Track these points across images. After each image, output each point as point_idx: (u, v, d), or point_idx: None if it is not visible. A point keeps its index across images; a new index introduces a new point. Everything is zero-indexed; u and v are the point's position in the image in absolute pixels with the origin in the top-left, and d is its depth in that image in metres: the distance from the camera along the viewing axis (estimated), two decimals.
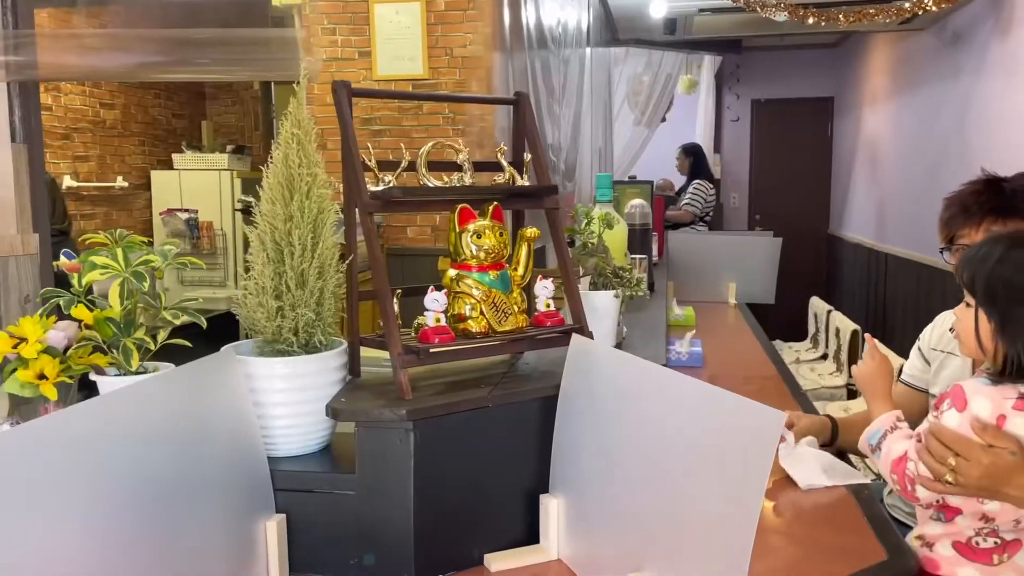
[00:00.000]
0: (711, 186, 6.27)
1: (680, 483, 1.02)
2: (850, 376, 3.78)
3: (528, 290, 1.48)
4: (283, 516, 1.27)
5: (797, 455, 1.64)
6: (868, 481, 1.63)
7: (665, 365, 2.76)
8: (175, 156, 5.48)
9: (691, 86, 7.13)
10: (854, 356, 3.67)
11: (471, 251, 1.38)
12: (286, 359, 1.32)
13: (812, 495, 1.62)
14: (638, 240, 2.56)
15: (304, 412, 1.33)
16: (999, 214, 1.63)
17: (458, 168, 1.50)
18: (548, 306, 1.48)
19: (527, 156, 1.51)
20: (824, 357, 4.26)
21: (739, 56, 7.53)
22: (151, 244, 1.41)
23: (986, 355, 1.33)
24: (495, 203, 1.42)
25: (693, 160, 6.36)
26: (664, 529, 1.05)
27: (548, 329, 1.45)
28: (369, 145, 1.43)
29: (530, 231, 1.45)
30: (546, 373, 1.45)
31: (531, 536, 1.36)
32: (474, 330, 1.37)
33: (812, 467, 1.60)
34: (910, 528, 1.49)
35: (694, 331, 3.00)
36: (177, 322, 1.38)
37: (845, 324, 3.82)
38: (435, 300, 1.33)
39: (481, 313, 1.37)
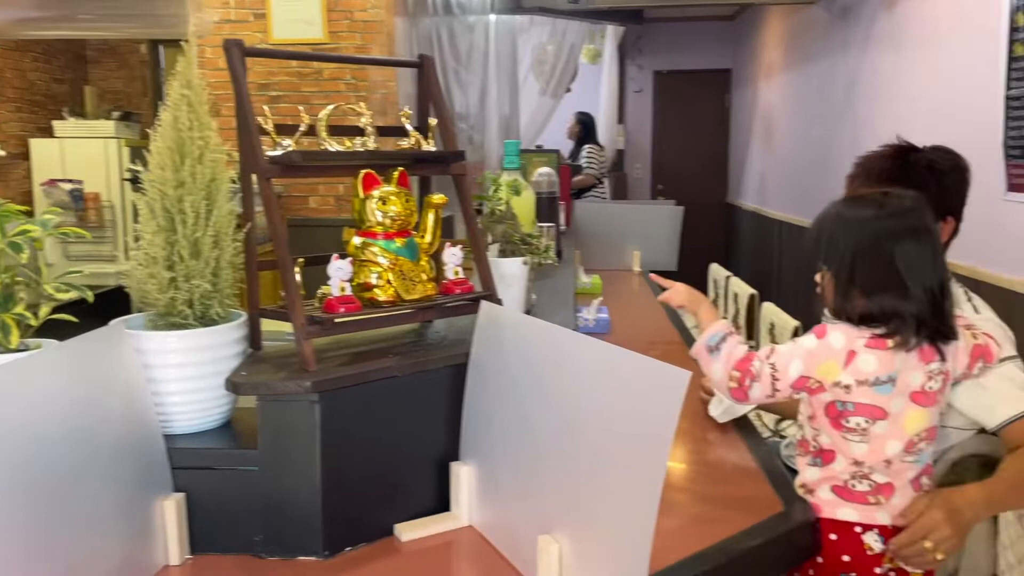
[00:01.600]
0: (601, 150, 6.55)
1: (589, 445, 1.03)
2: (748, 338, 3.92)
3: (436, 258, 1.46)
4: (182, 495, 1.22)
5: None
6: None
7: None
8: (56, 123, 5.15)
9: (595, 56, 7.17)
10: (752, 320, 3.80)
11: (376, 218, 1.35)
12: (181, 332, 1.26)
13: (712, 453, 1.67)
14: (545, 208, 2.56)
15: (202, 387, 1.28)
16: (895, 183, 1.65)
17: (361, 133, 1.46)
18: (457, 274, 1.47)
19: (432, 121, 1.47)
20: None
21: (641, 27, 7.62)
22: (31, 215, 1.32)
23: (833, 314, 1.40)
24: (400, 169, 1.38)
25: (583, 128, 6.60)
26: (574, 491, 1.06)
27: (457, 297, 1.43)
28: (266, 108, 1.37)
29: (437, 197, 1.42)
30: (456, 341, 1.44)
31: (442, 504, 1.36)
32: (381, 299, 1.33)
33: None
34: None
35: (601, 298, 3.04)
36: (61, 296, 1.29)
37: (743, 289, 3.95)
38: (339, 268, 1.29)
39: (388, 281, 1.34)
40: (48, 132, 5.19)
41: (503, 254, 1.62)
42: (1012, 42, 2.76)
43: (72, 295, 1.30)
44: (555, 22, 6.19)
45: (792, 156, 5.89)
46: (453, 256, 1.46)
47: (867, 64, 4.29)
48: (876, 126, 4.12)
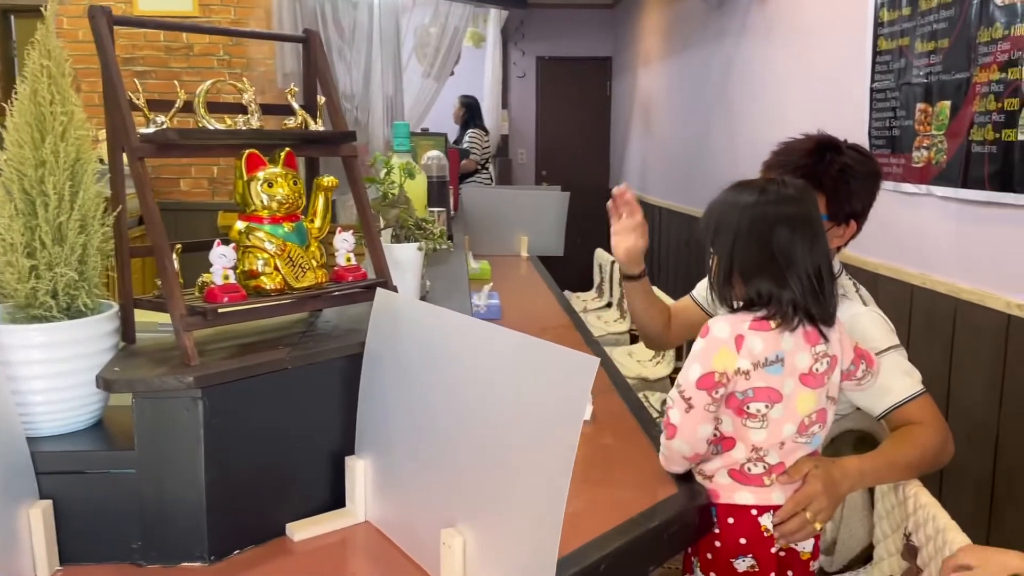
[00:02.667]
0: (485, 134, 6.53)
1: (494, 435, 1.00)
2: (632, 322, 4.01)
3: (326, 243, 1.39)
4: (49, 502, 1.12)
5: None
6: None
7: None
8: None
9: (479, 40, 7.13)
10: None
11: (262, 201, 1.27)
12: (44, 326, 1.16)
13: (604, 438, 1.69)
14: (435, 192, 2.51)
15: (69, 385, 1.17)
16: (808, 179, 1.56)
17: (242, 111, 1.37)
18: (349, 260, 1.41)
19: (321, 99, 1.40)
20: (609, 306, 4.48)
21: (524, 12, 7.62)
22: None
23: (717, 297, 1.44)
24: (288, 149, 1.31)
25: (467, 111, 6.56)
26: (478, 483, 1.03)
27: (350, 284, 1.37)
28: (137, 82, 1.26)
29: (327, 179, 1.36)
30: (349, 331, 1.38)
31: (338, 501, 1.30)
32: (268, 287, 1.26)
33: None
34: None
35: (491, 284, 3.03)
36: None
37: None
38: (222, 255, 1.21)
39: (276, 268, 1.27)
40: None
41: (396, 239, 1.57)
42: (876, 37, 2.91)
43: None
44: (438, 3, 6.10)
45: (671, 143, 6.05)
46: (345, 242, 1.40)
47: (742, 55, 4.44)
48: (751, 115, 4.28)
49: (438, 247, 1.61)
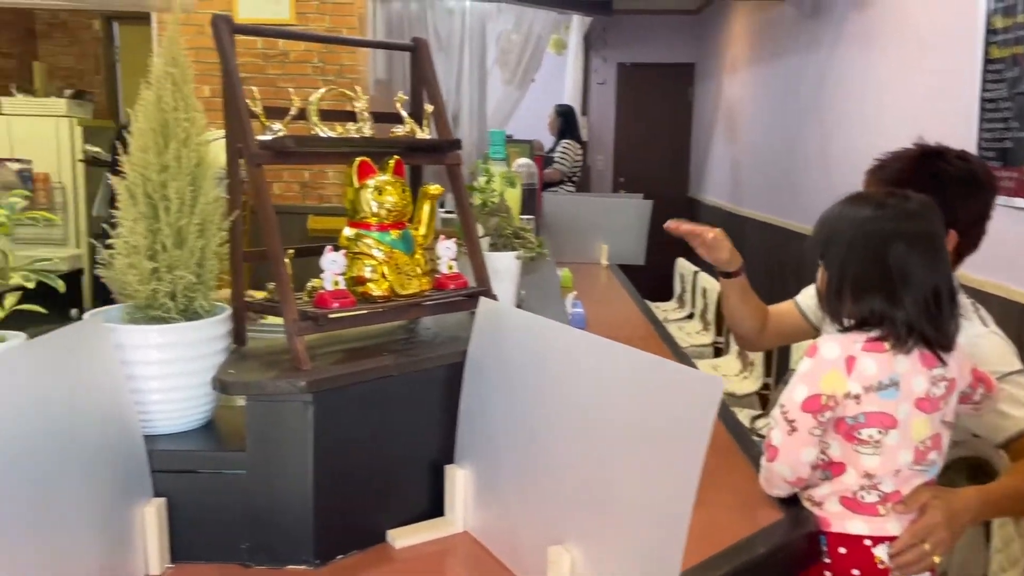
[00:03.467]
0: (579, 147, 6.36)
1: (607, 453, 0.98)
2: (717, 334, 3.93)
3: (429, 251, 1.40)
4: (163, 500, 1.15)
5: None
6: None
7: None
8: (3, 100, 4.91)
9: (560, 46, 7.11)
10: (721, 316, 3.80)
11: (371, 208, 1.28)
12: (163, 327, 1.18)
13: (711, 459, 1.64)
14: (526, 200, 2.51)
15: (184, 385, 1.20)
16: (899, 185, 1.48)
17: (352, 118, 1.39)
18: (451, 268, 1.40)
19: (428, 107, 1.41)
20: (690, 316, 4.40)
21: (608, 18, 7.58)
22: None
23: (826, 312, 1.38)
24: (396, 157, 1.32)
25: (564, 121, 6.41)
26: (589, 501, 1.01)
27: (452, 292, 1.37)
28: (256, 90, 1.29)
29: (433, 188, 1.36)
30: (450, 338, 1.38)
31: (436, 509, 1.30)
32: (375, 293, 1.27)
33: None
34: None
35: (575, 293, 3.01)
36: (30, 285, 1.20)
37: (712, 285, 3.95)
38: (333, 261, 1.22)
39: (383, 275, 1.28)
40: None
41: (495, 248, 1.57)
42: (988, 44, 2.78)
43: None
44: (522, 11, 6.11)
45: (758, 152, 5.92)
46: (447, 250, 1.40)
47: (837, 63, 4.31)
48: (846, 125, 4.14)
49: (535, 255, 1.59)
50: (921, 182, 1.53)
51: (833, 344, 1.31)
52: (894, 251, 1.30)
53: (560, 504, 1.06)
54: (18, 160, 4.54)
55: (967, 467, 1.64)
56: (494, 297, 1.40)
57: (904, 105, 3.51)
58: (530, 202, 2.50)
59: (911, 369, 1.29)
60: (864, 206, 1.36)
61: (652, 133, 8.41)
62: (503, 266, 1.54)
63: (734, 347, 3.55)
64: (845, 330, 1.34)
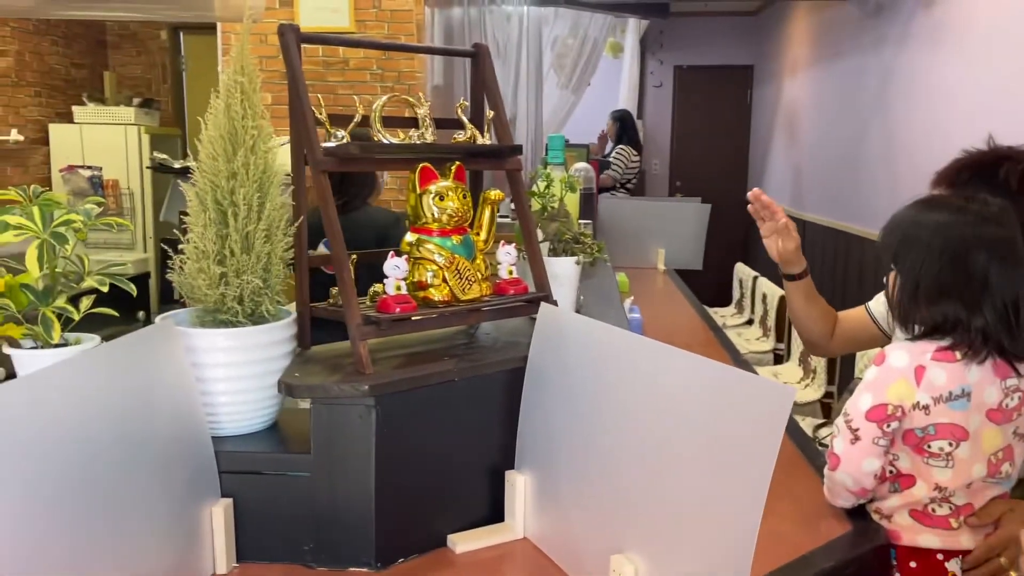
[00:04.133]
0: (635, 153, 6.31)
1: (675, 463, 0.97)
2: (777, 341, 3.86)
3: (489, 256, 1.40)
4: (229, 500, 1.17)
5: None
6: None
7: None
8: (75, 109, 5.09)
9: (616, 50, 7.08)
10: (781, 322, 3.74)
11: (433, 214, 1.29)
12: (230, 330, 1.21)
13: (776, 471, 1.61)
14: (583, 205, 2.50)
15: (251, 388, 1.22)
16: (977, 191, 1.41)
17: (413, 124, 1.40)
18: (511, 273, 1.40)
19: (489, 113, 1.41)
20: (750, 322, 4.33)
21: (664, 21, 7.52)
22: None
23: (897, 318, 1.34)
24: (458, 163, 1.32)
25: (620, 126, 6.38)
26: (653, 510, 1.00)
27: (512, 297, 1.37)
28: (320, 97, 1.31)
29: (494, 193, 1.36)
30: (509, 344, 1.38)
31: (496, 515, 1.30)
32: (436, 298, 1.28)
33: None
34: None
35: (632, 298, 2.98)
36: (104, 289, 1.24)
37: (772, 290, 3.88)
38: (396, 267, 1.23)
39: (444, 280, 1.28)
40: (67, 117, 5.14)
41: (554, 252, 1.56)
42: None
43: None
44: (578, 15, 6.11)
45: (819, 155, 5.80)
46: (508, 255, 1.40)
47: (902, 62, 4.20)
48: (911, 126, 4.03)
49: (595, 260, 1.58)
50: (992, 186, 1.48)
51: (902, 352, 1.28)
52: (975, 257, 1.26)
53: (622, 513, 1.05)
54: (89, 167, 4.70)
55: None
56: (554, 302, 1.40)
57: (971, 106, 3.40)
58: (588, 206, 2.49)
59: (983, 379, 1.25)
60: (942, 210, 1.32)
61: (710, 137, 8.31)
62: (562, 271, 1.54)
63: (795, 354, 3.48)
64: (915, 338, 1.30)
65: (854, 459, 1.27)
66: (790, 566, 1.20)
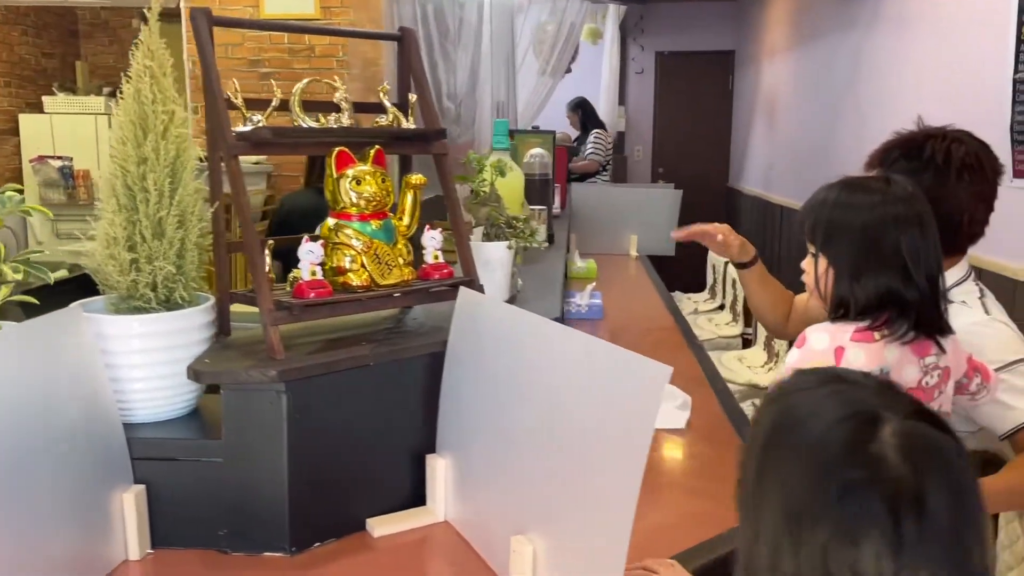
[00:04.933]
0: (608, 134, 6.41)
1: (566, 442, 0.97)
2: (746, 325, 3.87)
3: (416, 241, 1.39)
4: (142, 487, 1.17)
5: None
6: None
7: (564, 318, 2.73)
8: (46, 99, 5.06)
9: (595, 36, 7.05)
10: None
11: (350, 199, 1.28)
12: (143, 317, 1.20)
13: (703, 445, 1.62)
14: (537, 190, 2.49)
15: (165, 374, 1.21)
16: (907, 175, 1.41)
17: (337, 108, 1.39)
18: (436, 258, 1.40)
19: (412, 97, 1.40)
20: (721, 308, 4.33)
21: (643, 6, 7.50)
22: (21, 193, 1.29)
23: (825, 301, 1.34)
24: (377, 147, 1.32)
25: (583, 113, 6.47)
26: (548, 490, 1.00)
27: (436, 282, 1.37)
28: (235, 81, 1.30)
29: (415, 178, 1.36)
30: (434, 328, 1.37)
31: (419, 499, 1.30)
32: (355, 283, 1.27)
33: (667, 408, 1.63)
34: None
35: (594, 284, 2.98)
36: (17, 276, 1.23)
37: None
38: (309, 251, 1.23)
39: (362, 265, 1.28)
40: (38, 108, 5.11)
41: (487, 237, 1.56)
42: (1021, 24, 2.68)
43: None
44: (555, 0, 6.08)
45: (794, 139, 5.80)
46: (432, 240, 1.39)
47: (872, 45, 4.20)
48: (881, 110, 4.03)
49: (529, 245, 1.58)
50: (920, 162, 1.48)
51: (822, 334, 1.28)
52: (908, 235, 1.25)
53: (524, 494, 1.05)
54: (60, 157, 4.67)
55: (979, 461, 1.59)
56: (479, 287, 1.39)
57: (938, 88, 3.40)
58: (543, 192, 2.48)
59: (901, 358, 1.25)
60: (865, 192, 1.31)
61: (692, 123, 8.30)
62: (495, 256, 1.53)
63: (761, 338, 3.48)
64: (836, 319, 1.30)
65: None
66: (710, 543, 1.20)
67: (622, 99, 8.04)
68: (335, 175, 1.28)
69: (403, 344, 1.29)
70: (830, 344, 1.26)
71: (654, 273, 3.81)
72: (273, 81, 1.39)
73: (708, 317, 4.20)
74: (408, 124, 1.41)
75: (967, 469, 0.67)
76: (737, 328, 3.85)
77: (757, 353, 3.40)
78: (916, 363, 1.26)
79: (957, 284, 1.56)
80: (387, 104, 1.38)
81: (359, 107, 1.41)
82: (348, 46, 3.69)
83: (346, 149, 1.28)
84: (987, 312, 1.48)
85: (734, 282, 4.07)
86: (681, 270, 5.00)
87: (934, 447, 0.66)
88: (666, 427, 1.72)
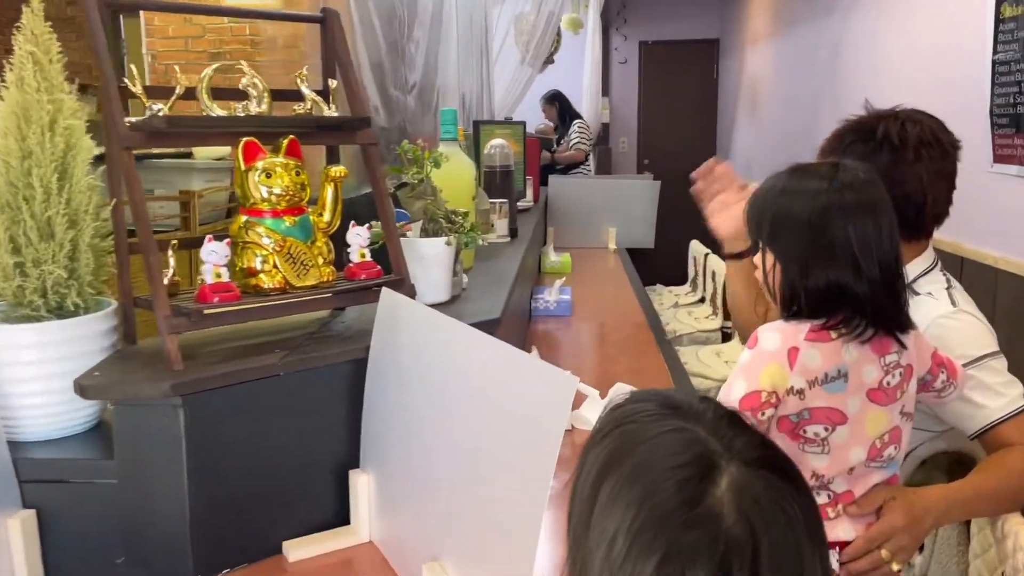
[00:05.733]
0: (587, 123, 6.41)
1: (475, 457, 0.87)
2: (725, 319, 3.77)
3: (340, 238, 1.29)
4: (32, 512, 1.07)
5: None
6: None
7: (531, 316, 2.64)
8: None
9: (576, 26, 6.92)
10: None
11: (260, 194, 1.18)
12: (32, 326, 1.10)
13: None
14: (499, 183, 2.39)
15: (56, 389, 1.11)
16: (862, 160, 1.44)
17: (279, 97, 1.29)
18: (363, 256, 1.30)
19: (333, 83, 1.30)
20: (702, 300, 4.24)
21: None
22: None
23: (774, 299, 1.24)
24: (291, 137, 1.21)
25: (560, 105, 6.44)
26: (461, 511, 0.90)
27: (361, 282, 1.27)
28: (134, 67, 1.20)
29: (335, 170, 1.25)
30: (362, 332, 1.27)
31: (346, 518, 1.20)
32: (267, 286, 1.17)
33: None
34: None
35: (564, 279, 2.88)
36: None
37: (721, 267, 3.78)
38: (212, 252, 1.12)
39: (275, 266, 1.18)
40: None
41: (425, 233, 1.46)
42: (999, 2, 2.58)
43: None
44: None
45: (777, 127, 5.71)
46: (357, 236, 1.29)
47: (851, 29, 4.10)
48: (860, 94, 3.93)
49: (470, 242, 1.48)
50: (875, 144, 1.39)
51: (774, 334, 1.18)
52: (856, 225, 1.16)
53: (437, 516, 0.96)
54: None
55: (948, 462, 1.50)
56: (411, 287, 1.30)
57: (918, 72, 3.30)
58: (504, 185, 2.38)
59: (861, 358, 1.16)
60: (811, 179, 1.22)
61: (678, 113, 8.19)
62: (430, 253, 1.43)
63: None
64: (789, 318, 1.20)
65: None
66: None
67: (606, 90, 7.93)
68: (243, 168, 1.18)
69: (320, 351, 1.19)
70: (782, 344, 1.16)
71: (631, 267, 3.71)
72: (176, 67, 1.29)
73: (688, 311, 4.11)
74: (330, 112, 1.31)
75: (811, 520, 0.60)
76: (717, 322, 3.76)
77: (735, 347, 3.31)
78: (876, 362, 1.17)
79: (923, 274, 1.47)
80: (305, 91, 1.28)
81: (280, 95, 1.31)
82: (312, 38, 3.57)
83: (255, 140, 1.18)
84: (954, 304, 1.39)
85: (714, 274, 3.98)
86: (662, 263, 4.90)
87: (772, 501, 0.58)
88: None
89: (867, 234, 1.15)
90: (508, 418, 0.82)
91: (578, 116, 6.54)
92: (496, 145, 2.40)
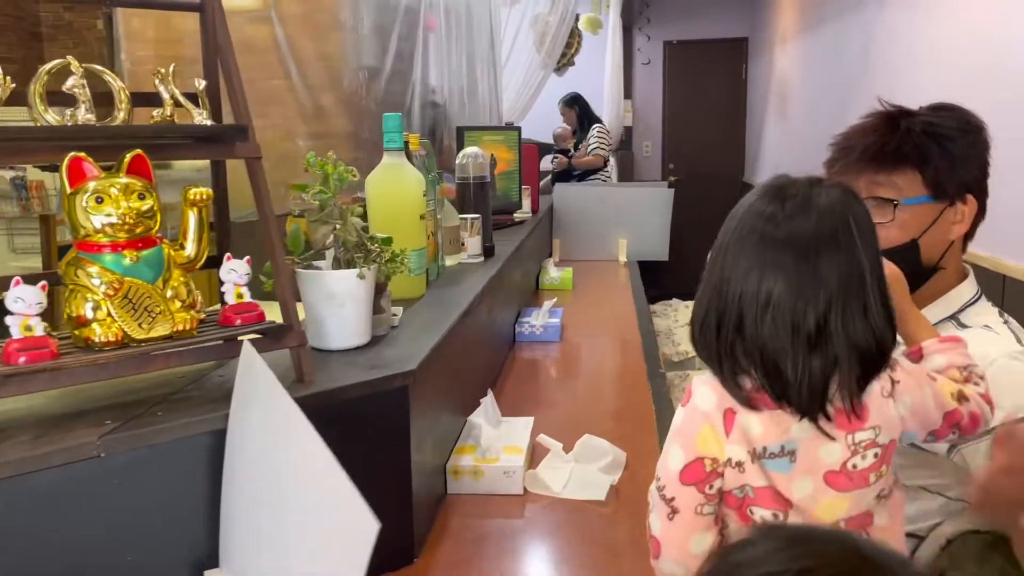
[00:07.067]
0: (607, 128, 6.16)
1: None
2: None
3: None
4: None
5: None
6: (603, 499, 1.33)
7: (515, 341, 2.38)
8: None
9: (595, 26, 6.64)
10: None
11: (91, 224, 0.94)
12: None
13: (624, 526, 1.25)
14: (473, 196, 2.13)
15: None
16: (885, 161, 1.21)
17: (149, 102, 1.05)
18: (240, 296, 1.05)
19: (200, 84, 1.06)
20: None
21: None
22: None
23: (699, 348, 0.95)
24: (136, 152, 0.97)
25: (579, 108, 6.21)
26: None
27: (233, 330, 1.02)
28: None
29: (195, 192, 1.01)
30: (228, 393, 1.02)
31: None
32: (99, 339, 0.93)
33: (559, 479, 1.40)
34: None
35: (555, 300, 2.62)
36: None
37: None
38: (18, 299, 0.89)
39: (109, 314, 0.93)
40: None
41: (338, 264, 1.21)
42: None
43: None
44: None
45: (808, 127, 5.38)
46: (232, 272, 1.04)
47: (882, 24, 3.78)
48: (895, 94, 3.61)
49: (391, 274, 1.23)
50: (911, 148, 1.14)
51: (707, 390, 0.90)
52: (784, 264, 0.87)
53: None
54: (12, 168, 4.40)
55: (982, 545, 1.21)
56: (299, 335, 1.05)
57: (959, 67, 2.98)
58: (478, 198, 2.12)
59: (815, 434, 0.88)
60: (760, 199, 0.93)
61: (705, 115, 7.85)
62: (341, 288, 1.18)
63: None
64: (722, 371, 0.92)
65: (676, 540, 0.91)
66: None
67: (628, 92, 7.63)
68: (69, 191, 0.94)
69: (169, 421, 0.94)
70: (718, 404, 0.89)
71: (639, 283, 3.43)
72: (1, 71, 1.05)
73: None
74: (202, 119, 1.06)
75: None
76: None
77: None
78: (841, 439, 0.88)
79: (971, 303, 1.20)
80: (164, 94, 1.04)
81: (140, 99, 1.07)
82: (298, 40, 3.35)
83: (81, 156, 0.94)
84: (1020, 342, 1.11)
85: None
86: (677, 276, 4.60)
87: None
88: (581, 497, 1.37)
89: (788, 278, 0.86)
90: (313, 544, 0.57)
91: (598, 120, 6.27)
92: (469, 155, 2.14)
